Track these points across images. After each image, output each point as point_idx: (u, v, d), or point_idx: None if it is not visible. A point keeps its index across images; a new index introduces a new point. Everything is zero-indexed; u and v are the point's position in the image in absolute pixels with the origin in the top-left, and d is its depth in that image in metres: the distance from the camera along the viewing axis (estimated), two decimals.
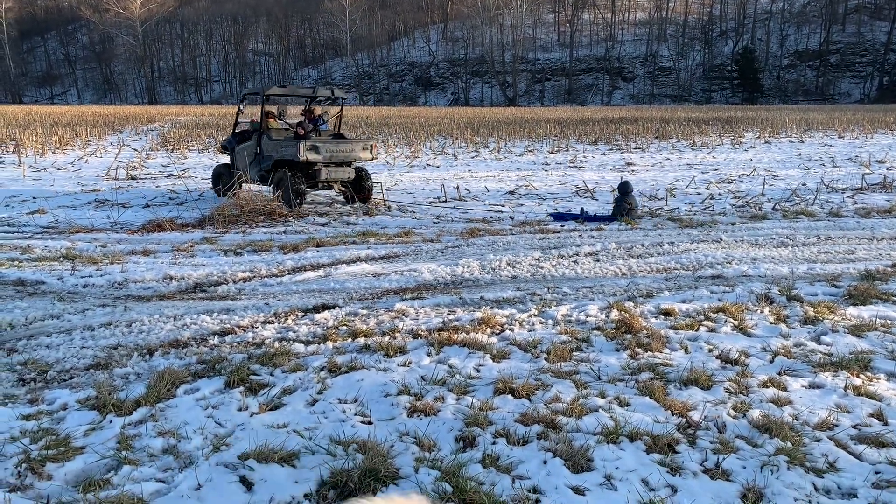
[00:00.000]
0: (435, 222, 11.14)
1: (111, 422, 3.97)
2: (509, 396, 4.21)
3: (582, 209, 11.67)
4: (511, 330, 5.50)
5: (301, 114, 13.68)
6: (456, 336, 5.27)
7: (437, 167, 20.12)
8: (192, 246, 9.06)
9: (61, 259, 8.18)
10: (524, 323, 5.69)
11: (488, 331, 5.47)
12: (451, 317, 5.89)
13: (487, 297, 6.51)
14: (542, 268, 7.74)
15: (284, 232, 10.14)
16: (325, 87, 13.29)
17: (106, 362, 4.94)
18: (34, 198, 13.19)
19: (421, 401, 4.18)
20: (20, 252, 8.54)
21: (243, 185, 12.39)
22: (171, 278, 7.30)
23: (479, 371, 4.67)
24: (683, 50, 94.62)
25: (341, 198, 13.35)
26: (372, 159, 12.84)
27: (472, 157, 22.84)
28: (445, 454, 3.57)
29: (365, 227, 10.52)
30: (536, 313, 5.94)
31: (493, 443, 3.67)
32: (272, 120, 13.25)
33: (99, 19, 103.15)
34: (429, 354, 4.96)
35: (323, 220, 11.16)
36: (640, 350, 5.01)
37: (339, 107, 14.42)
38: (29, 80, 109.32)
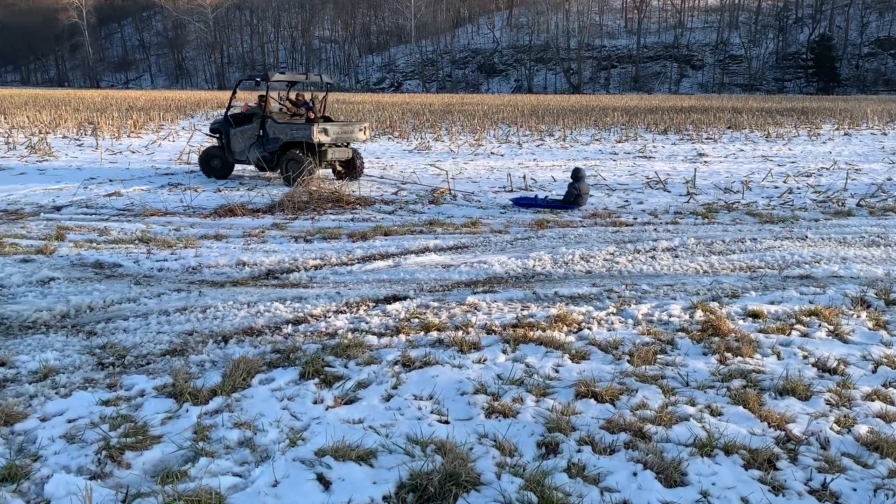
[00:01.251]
0: (502, 212, 10.95)
1: (188, 411, 3.95)
2: (592, 401, 4.02)
3: (536, 195, 12.34)
4: (589, 329, 5.29)
5: (287, 98, 14.37)
6: (531, 333, 5.10)
7: (502, 156, 19.87)
8: (262, 232, 9.11)
9: (137, 242, 8.32)
10: (603, 322, 5.47)
11: (565, 329, 5.28)
12: (525, 312, 5.71)
13: (562, 293, 6.31)
14: (617, 263, 7.47)
15: (352, 219, 10.11)
16: (316, 74, 14.37)
17: (182, 348, 4.95)
18: (110, 180, 13.54)
19: (499, 401, 4.03)
20: (98, 234, 8.73)
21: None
22: (244, 264, 7.33)
23: (557, 371, 4.49)
24: (756, 38, 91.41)
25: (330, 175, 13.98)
26: (365, 140, 14.11)
27: (537, 146, 22.50)
28: (528, 460, 3.42)
29: (431, 217, 10.41)
30: (615, 311, 5.72)
31: (578, 450, 3.49)
32: (269, 104, 14.08)
33: (172, 6, 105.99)
34: (504, 352, 4.81)
35: (389, 209, 11.10)
36: (729, 355, 4.74)
37: (325, 92, 15.18)
38: (106, 66, 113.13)
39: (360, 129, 13.84)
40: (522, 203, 11.60)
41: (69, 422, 3.81)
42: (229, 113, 14.11)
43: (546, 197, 11.94)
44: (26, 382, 4.33)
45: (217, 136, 14.08)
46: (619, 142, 23.63)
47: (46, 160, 16.54)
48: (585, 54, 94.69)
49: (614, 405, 4.00)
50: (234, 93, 14.50)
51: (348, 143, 13.76)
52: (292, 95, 14.81)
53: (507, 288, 6.58)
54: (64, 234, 8.58)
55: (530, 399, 4.06)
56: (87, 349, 4.90)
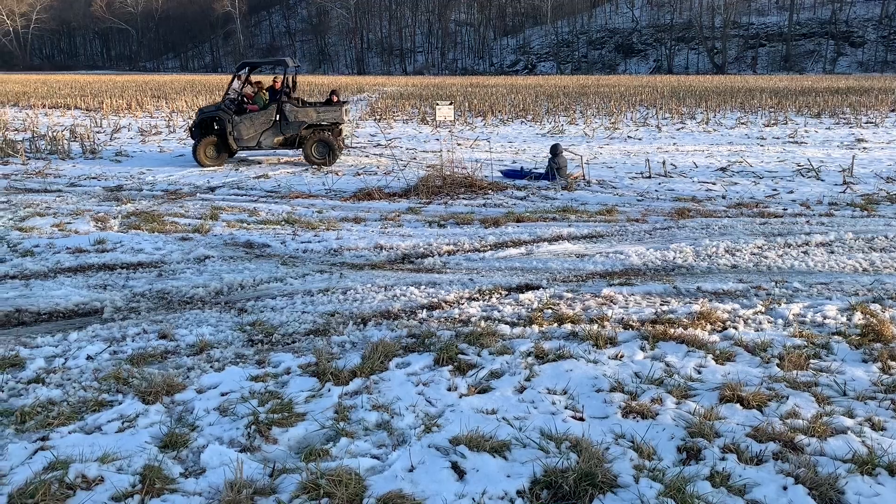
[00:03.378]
0: (639, 200, 10.59)
1: (329, 390, 4.11)
2: (737, 406, 3.81)
3: (521, 168, 12.79)
4: (735, 328, 5.02)
5: (274, 82, 14.25)
6: (672, 331, 4.90)
7: (639, 140, 19.24)
8: (398, 215, 9.32)
9: (283, 223, 8.75)
10: (749, 321, 5.17)
11: (708, 327, 5.03)
12: (665, 308, 5.50)
13: (705, 288, 6.02)
14: (766, 257, 7.04)
15: (484, 205, 10.13)
16: (292, 59, 14.73)
17: (324, 329, 5.15)
18: (259, 163, 14.31)
19: (636, 401, 3.91)
20: (248, 214, 9.26)
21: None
22: (382, 248, 7.53)
23: (699, 373, 4.30)
24: None
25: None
26: (344, 122, 14.85)
27: (678, 130, 21.59)
28: (667, 465, 3.29)
29: (564, 203, 10.25)
30: (763, 310, 5.39)
31: (722, 458, 3.32)
32: (265, 91, 14.20)
33: None
34: (642, 349, 4.65)
35: (521, 195, 11.03)
36: (893, 363, 4.35)
37: (294, 74, 15.13)
38: (255, 52, 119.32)
39: (347, 111, 15.36)
40: (510, 175, 12.53)
41: (222, 395, 4.07)
42: (227, 100, 13.83)
43: (532, 170, 12.59)
44: (185, 355, 4.68)
45: (210, 126, 13.82)
46: (767, 126, 22.23)
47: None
48: (731, 32, 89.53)
49: (762, 412, 3.77)
50: (236, 78, 14.38)
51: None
52: (269, 80, 14.76)
53: (646, 281, 6.37)
54: (217, 214, 9.17)
55: (670, 400, 3.91)
56: (239, 326, 5.21)
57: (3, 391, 4.10)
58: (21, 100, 33.20)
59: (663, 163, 13.71)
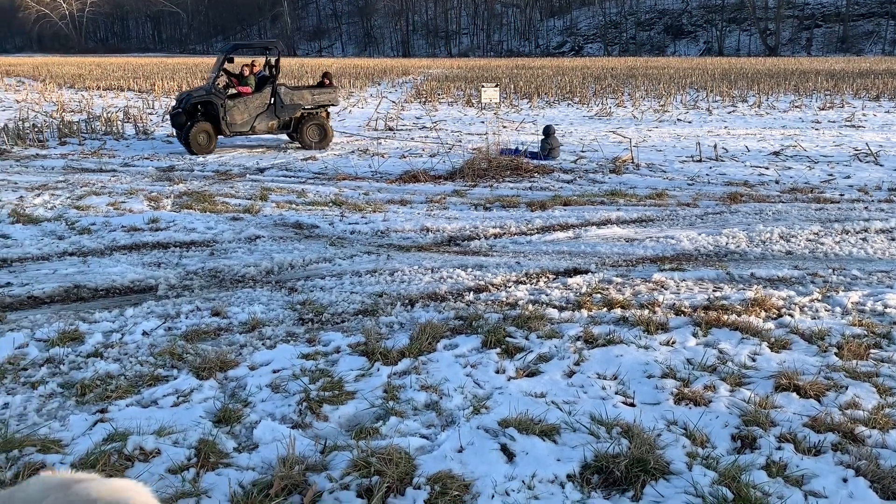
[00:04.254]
0: (689, 184, 10.39)
1: (378, 370, 4.14)
2: (794, 395, 3.72)
3: (517, 147, 12.89)
4: (790, 315, 4.89)
5: (254, 65, 14.04)
6: (725, 317, 4.80)
7: (689, 123, 18.85)
8: (444, 198, 9.31)
9: (330, 204, 8.82)
10: (805, 308, 5.04)
11: (763, 314, 4.91)
12: (718, 294, 5.39)
13: (759, 275, 5.88)
14: (822, 244, 6.84)
15: (530, 188, 10.06)
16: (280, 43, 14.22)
17: (372, 309, 5.19)
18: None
19: (689, 387, 3.84)
20: (296, 196, 9.35)
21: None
22: (428, 230, 7.53)
23: (754, 360, 4.20)
24: None
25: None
26: (337, 104, 14.92)
27: (729, 113, 21.09)
28: (721, 453, 3.23)
29: (612, 186, 10.11)
30: (820, 298, 5.24)
31: (778, 447, 3.25)
32: (246, 71, 13.84)
33: None
34: (694, 335, 4.57)
35: (568, 178, 10.91)
36: None
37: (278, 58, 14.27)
38: (302, 35, 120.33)
39: None
40: (506, 153, 12.56)
41: (274, 372, 4.13)
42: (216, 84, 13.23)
43: (525, 149, 12.69)
44: (237, 332, 4.76)
45: (194, 112, 13.02)
46: (823, 109, 21.57)
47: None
48: (785, 13, 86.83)
49: (820, 402, 3.67)
50: (227, 60, 13.47)
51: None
52: (258, 62, 14.43)
53: (697, 266, 6.24)
54: (267, 195, 9.29)
55: (724, 388, 3.83)
56: (289, 304, 5.28)
57: (63, 364, 4.23)
58: (77, 82, 34.05)
59: (714, 146, 13.41)
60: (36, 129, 15.22)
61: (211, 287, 5.74)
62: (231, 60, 13.55)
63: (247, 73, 13.74)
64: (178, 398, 3.82)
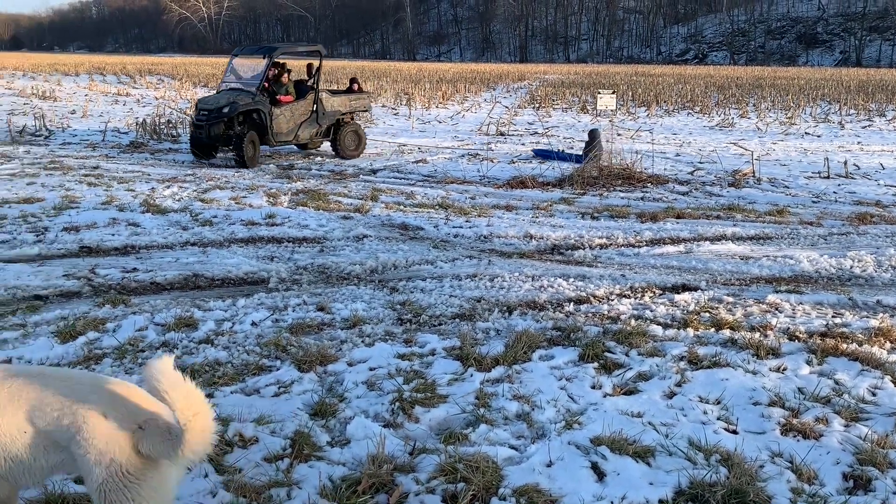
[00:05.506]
0: (814, 201, 9.80)
1: (472, 375, 4.14)
2: None
3: (560, 150, 13.29)
4: None
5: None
6: (844, 346, 4.49)
7: (818, 137, 17.81)
8: (550, 205, 9.21)
9: (437, 207, 8.92)
10: None
11: (887, 345, 4.56)
12: (837, 320, 5.05)
13: (886, 303, 5.45)
14: None
15: (642, 198, 9.79)
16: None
17: (470, 314, 5.20)
18: (419, 148, 14.68)
19: (798, 418, 3.61)
20: (405, 197, 9.53)
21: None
22: (531, 237, 7.48)
23: (874, 395, 3.90)
24: None
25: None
26: (370, 110, 14.78)
27: (864, 128, 19.76)
28: (829, 492, 3.02)
29: (730, 201, 9.69)
30: None
31: None
32: (286, 78, 12.79)
33: None
34: (808, 363, 4.30)
35: (683, 189, 10.55)
36: None
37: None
38: (422, 40, 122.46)
39: None
40: (541, 154, 13.13)
41: (371, 370, 4.21)
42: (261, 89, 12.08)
43: (563, 151, 13.05)
44: (339, 328, 4.89)
45: (232, 123, 11.85)
46: None
47: (368, 127, 18.42)
48: None
49: None
50: (269, 67, 12.29)
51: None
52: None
53: (817, 289, 5.87)
54: (377, 196, 9.51)
55: (837, 421, 3.58)
56: (390, 304, 5.37)
57: (177, 349, 4.48)
58: (211, 81, 36.10)
59: (844, 163, 12.58)
60: (170, 125, 16.26)
61: (318, 282, 5.93)
62: (276, 65, 12.62)
63: (285, 80, 12.72)
64: (278, 388, 3.96)
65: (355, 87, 14.09)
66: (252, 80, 12.40)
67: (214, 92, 12.31)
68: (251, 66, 12.89)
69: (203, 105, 12.17)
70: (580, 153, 12.47)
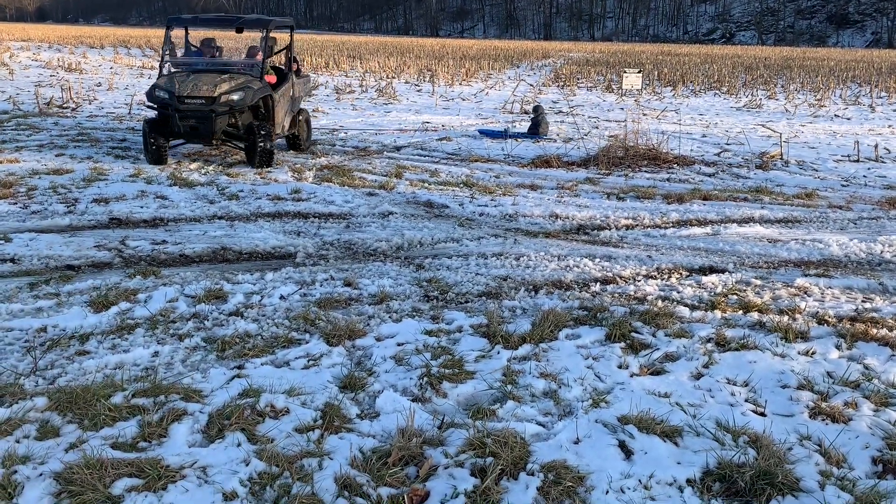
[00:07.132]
0: (843, 185, 9.67)
1: (499, 353, 4.16)
2: None
3: (505, 129, 13.20)
4: None
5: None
6: (874, 331, 4.45)
7: (848, 119, 17.52)
8: (575, 185, 9.17)
9: (461, 185, 8.91)
10: None
11: None
12: (867, 305, 5.01)
13: None
14: None
15: (668, 179, 9.71)
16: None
17: (496, 292, 5.21)
18: (443, 125, 14.63)
19: (827, 402, 3.60)
20: (429, 175, 9.52)
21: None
22: (557, 217, 7.46)
23: None
24: None
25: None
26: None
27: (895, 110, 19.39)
28: (859, 475, 3.02)
29: (758, 183, 9.57)
30: None
31: None
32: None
33: None
34: (838, 347, 4.27)
35: (709, 171, 10.45)
36: None
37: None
38: (445, 15, 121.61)
39: None
40: (487, 134, 13.28)
41: (398, 345, 4.25)
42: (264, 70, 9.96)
43: (509, 129, 13.17)
44: (367, 304, 4.93)
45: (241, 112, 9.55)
46: None
47: (391, 103, 18.38)
48: None
49: None
50: (267, 38, 10.23)
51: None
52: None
53: (846, 274, 5.82)
54: (402, 173, 9.51)
55: (867, 406, 3.56)
56: (416, 281, 5.40)
57: (208, 320, 4.55)
58: None
59: (875, 146, 12.38)
60: None
61: (345, 258, 5.97)
62: (240, 31, 10.48)
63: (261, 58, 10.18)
64: (308, 361, 4.01)
65: (294, 66, 10.88)
66: (239, 60, 10.64)
67: (165, 74, 9.85)
68: (215, 42, 10.99)
69: (182, 90, 9.13)
70: (521, 131, 13.43)
